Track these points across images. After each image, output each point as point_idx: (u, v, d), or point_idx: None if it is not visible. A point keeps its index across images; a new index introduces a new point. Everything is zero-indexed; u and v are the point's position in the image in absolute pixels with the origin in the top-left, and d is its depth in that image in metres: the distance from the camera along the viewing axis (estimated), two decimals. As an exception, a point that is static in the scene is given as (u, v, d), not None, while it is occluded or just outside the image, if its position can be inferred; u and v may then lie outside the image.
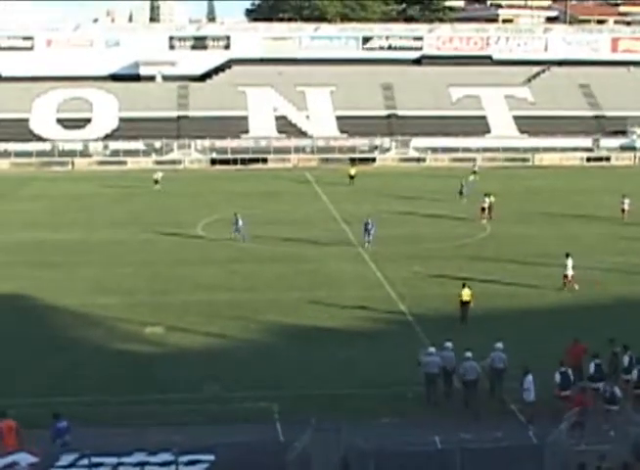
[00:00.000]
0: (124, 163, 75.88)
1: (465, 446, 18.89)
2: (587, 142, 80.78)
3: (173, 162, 76.25)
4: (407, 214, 52.25)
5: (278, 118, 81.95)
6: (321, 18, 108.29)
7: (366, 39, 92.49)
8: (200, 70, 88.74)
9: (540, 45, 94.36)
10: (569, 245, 40.15)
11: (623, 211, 50.00)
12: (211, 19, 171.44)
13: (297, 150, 78.21)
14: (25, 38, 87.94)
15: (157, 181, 63.13)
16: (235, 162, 76.49)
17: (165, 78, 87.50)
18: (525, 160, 78.29)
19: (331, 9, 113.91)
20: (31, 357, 27.49)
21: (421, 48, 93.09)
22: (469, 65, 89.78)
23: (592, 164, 78.14)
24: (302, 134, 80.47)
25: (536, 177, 70.02)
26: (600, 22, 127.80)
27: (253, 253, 42.46)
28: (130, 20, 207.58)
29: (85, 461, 18.41)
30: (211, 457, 18.63)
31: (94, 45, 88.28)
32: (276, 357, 27.59)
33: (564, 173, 72.52)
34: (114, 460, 18.55)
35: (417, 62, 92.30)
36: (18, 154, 75.50)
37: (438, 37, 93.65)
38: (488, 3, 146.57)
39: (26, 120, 79.54)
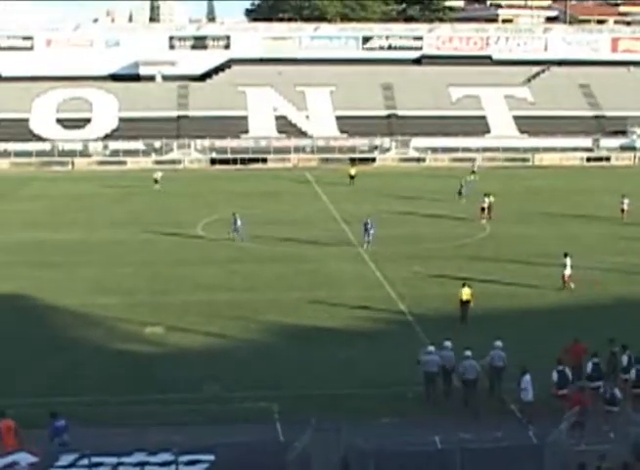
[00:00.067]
0: (124, 162, 75.89)
1: (465, 446, 18.89)
2: (587, 142, 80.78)
3: (173, 161, 76.26)
4: (407, 214, 52.25)
5: (278, 118, 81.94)
6: (321, 18, 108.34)
7: (366, 39, 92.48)
8: (200, 70, 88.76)
9: (540, 45, 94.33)
10: (568, 245, 40.12)
11: (623, 210, 50.03)
12: (211, 19, 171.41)
13: (297, 150, 78.19)
14: (25, 38, 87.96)
15: (156, 181, 63.13)
16: (235, 161, 76.49)
17: (165, 78, 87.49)
18: (524, 160, 78.28)
19: (331, 9, 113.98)
20: (31, 357, 27.49)
21: (421, 48, 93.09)
22: (469, 65, 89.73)
23: (592, 164, 78.15)
24: (302, 134, 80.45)
25: (536, 177, 70.01)
26: (600, 22, 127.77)
27: (253, 253, 42.46)
28: (130, 20, 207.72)
29: (85, 461, 18.42)
30: (211, 457, 18.63)
31: (94, 45, 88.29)
32: (276, 357, 27.58)
33: (564, 173, 72.52)
34: (113, 460, 18.56)
35: (417, 62, 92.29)
36: (18, 154, 75.53)
37: (438, 37, 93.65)
38: (488, 3, 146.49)
39: (26, 120, 79.54)
